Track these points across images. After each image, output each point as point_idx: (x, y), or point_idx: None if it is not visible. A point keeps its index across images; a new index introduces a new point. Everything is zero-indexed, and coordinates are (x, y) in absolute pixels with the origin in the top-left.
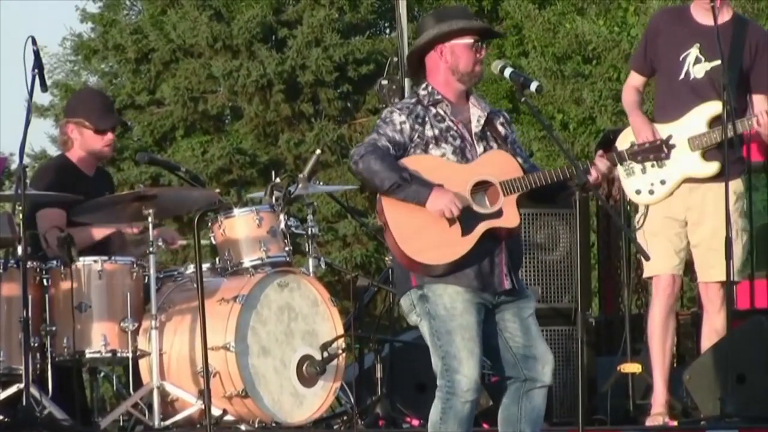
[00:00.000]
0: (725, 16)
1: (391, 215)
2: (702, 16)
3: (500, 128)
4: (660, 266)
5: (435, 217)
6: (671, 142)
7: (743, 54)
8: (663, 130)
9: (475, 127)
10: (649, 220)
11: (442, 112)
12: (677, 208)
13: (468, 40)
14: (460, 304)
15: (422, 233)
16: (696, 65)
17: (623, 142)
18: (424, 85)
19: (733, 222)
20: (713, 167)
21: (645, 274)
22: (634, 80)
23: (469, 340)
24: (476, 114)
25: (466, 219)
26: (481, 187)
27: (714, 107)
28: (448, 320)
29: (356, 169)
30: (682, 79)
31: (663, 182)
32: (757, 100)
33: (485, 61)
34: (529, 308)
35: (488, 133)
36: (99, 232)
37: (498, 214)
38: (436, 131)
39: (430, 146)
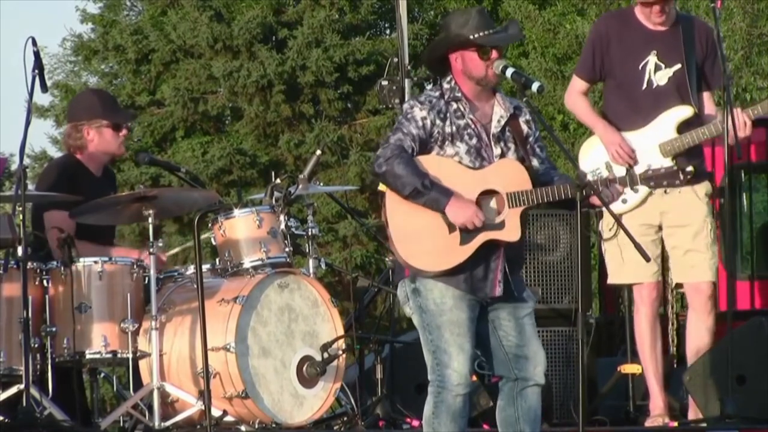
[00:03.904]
0: (672, 18)
1: (392, 214)
2: (651, 21)
3: (523, 126)
4: (642, 274)
5: (436, 222)
6: (641, 148)
7: (696, 53)
8: (629, 138)
9: (495, 128)
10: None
11: (462, 109)
12: (652, 213)
13: (474, 47)
14: (450, 300)
15: (420, 237)
16: (657, 72)
17: (587, 153)
18: (448, 78)
19: (709, 223)
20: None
21: (624, 281)
22: (581, 86)
23: (458, 336)
24: (498, 113)
25: (468, 228)
26: (490, 194)
27: (682, 112)
28: (437, 315)
29: (379, 171)
30: (645, 88)
31: (636, 190)
32: (706, 97)
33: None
34: (525, 309)
35: (507, 134)
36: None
37: (500, 225)
38: (454, 128)
39: (446, 143)
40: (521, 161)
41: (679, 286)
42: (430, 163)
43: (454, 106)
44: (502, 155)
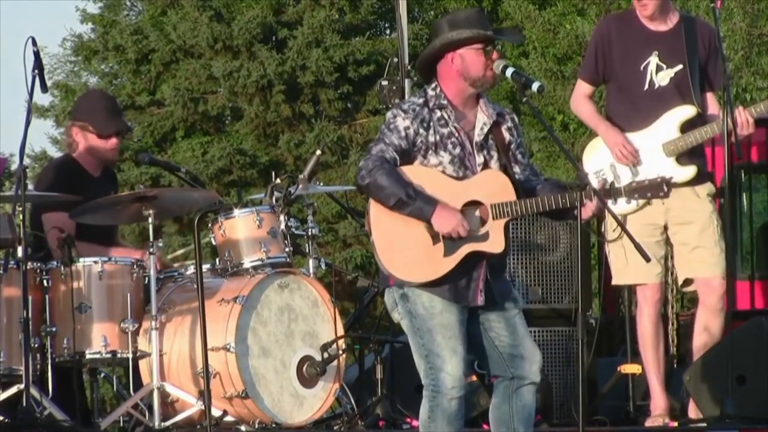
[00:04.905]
0: (673, 18)
1: (376, 226)
2: (652, 22)
3: (505, 134)
4: (646, 275)
5: (419, 233)
6: (644, 148)
7: (699, 53)
8: (632, 138)
9: (478, 135)
10: (628, 229)
11: (446, 117)
12: (656, 213)
13: (478, 46)
14: (439, 303)
15: (404, 248)
16: (659, 73)
17: (591, 155)
18: (433, 85)
19: (715, 221)
20: (690, 171)
21: (628, 282)
22: (586, 89)
23: (450, 338)
24: (482, 121)
25: (452, 239)
26: (474, 205)
27: (684, 112)
28: (428, 319)
29: (363, 183)
30: (646, 89)
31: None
32: (709, 97)
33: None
34: (514, 308)
35: (490, 142)
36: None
37: (484, 237)
38: (438, 137)
39: (430, 152)
40: (503, 169)
41: (686, 283)
42: (414, 173)
43: (438, 113)
44: (485, 163)
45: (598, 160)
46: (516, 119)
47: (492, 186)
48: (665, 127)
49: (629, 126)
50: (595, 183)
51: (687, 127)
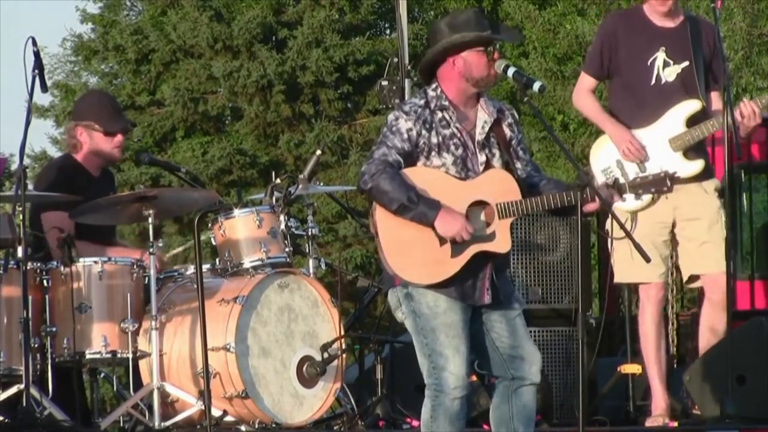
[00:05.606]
0: (680, 17)
1: (382, 227)
2: (659, 18)
3: (506, 130)
4: (649, 274)
5: (426, 234)
6: (651, 144)
7: (703, 51)
8: (639, 135)
9: (479, 134)
10: (637, 227)
11: (447, 118)
12: (665, 211)
13: (480, 48)
14: (444, 303)
15: (411, 249)
16: (666, 69)
17: (598, 152)
18: (433, 86)
19: (722, 215)
20: (697, 166)
21: (633, 280)
22: (590, 83)
23: (453, 338)
24: (482, 119)
25: (457, 241)
26: (479, 204)
27: (690, 106)
28: (431, 318)
29: (365, 187)
30: (653, 84)
31: (625, 199)
32: (714, 95)
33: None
34: (515, 309)
35: (491, 140)
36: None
37: (491, 237)
38: (440, 138)
39: (432, 153)
40: (505, 165)
41: (691, 280)
42: (418, 174)
43: (440, 115)
44: (487, 162)
45: (605, 157)
46: (516, 114)
47: (497, 185)
48: (671, 122)
49: (634, 121)
50: (601, 181)
51: (693, 121)
